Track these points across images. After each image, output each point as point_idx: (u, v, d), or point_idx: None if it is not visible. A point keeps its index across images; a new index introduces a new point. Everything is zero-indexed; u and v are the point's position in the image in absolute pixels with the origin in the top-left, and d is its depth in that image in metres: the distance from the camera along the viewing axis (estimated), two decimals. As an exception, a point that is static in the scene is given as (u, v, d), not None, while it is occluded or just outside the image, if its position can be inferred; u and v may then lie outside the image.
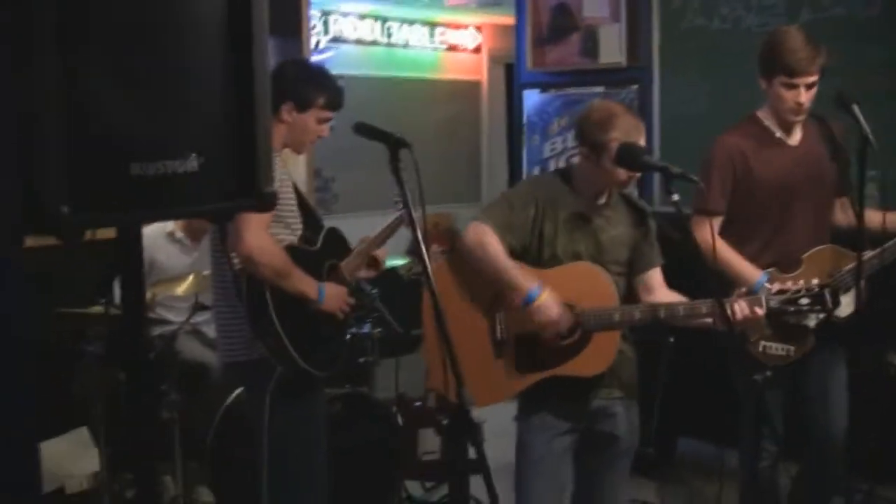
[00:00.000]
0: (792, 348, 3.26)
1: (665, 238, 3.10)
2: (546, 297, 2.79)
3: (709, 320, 2.83)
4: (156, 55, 1.40)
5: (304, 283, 3.01)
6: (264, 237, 2.91)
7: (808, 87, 3.17)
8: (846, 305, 3.18)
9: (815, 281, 2.85)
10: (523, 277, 2.82)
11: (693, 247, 2.65)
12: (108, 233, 1.51)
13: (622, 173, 2.83)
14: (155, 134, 1.40)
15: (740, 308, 2.81)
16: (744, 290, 2.90)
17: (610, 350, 2.87)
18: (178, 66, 1.43)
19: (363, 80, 7.10)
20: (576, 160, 2.99)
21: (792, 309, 2.84)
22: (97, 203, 1.34)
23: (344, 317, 3.19)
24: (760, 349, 3.26)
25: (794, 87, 3.16)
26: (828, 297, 2.81)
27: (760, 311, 2.82)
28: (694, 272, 2.65)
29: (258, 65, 1.51)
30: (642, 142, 2.84)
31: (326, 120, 3.17)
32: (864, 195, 3.03)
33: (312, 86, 3.13)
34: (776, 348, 3.25)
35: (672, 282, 3.02)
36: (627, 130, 2.80)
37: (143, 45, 1.38)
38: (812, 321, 3.21)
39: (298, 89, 3.11)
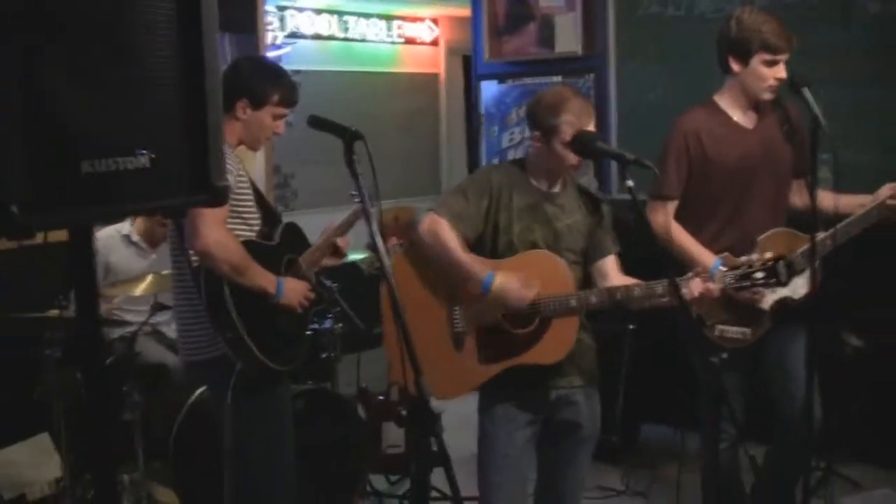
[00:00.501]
0: (748, 331, 3.28)
1: (622, 224, 3.11)
2: (501, 279, 2.81)
3: (666, 299, 2.84)
4: (106, 52, 1.39)
5: (263, 278, 3.00)
6: (221, 232, 2.89)
7: (784, 63, 3.22)
8: (801, 287, 3.21)
9: (768, 254, 2.86)
10: (476, 267, 2.83)
11: (648, 232, 2.67)
12: (62, 235, 1.50)
13: (573, 156, 2.85)
14: (105, 131, 1.39)
15: (695, 285, 2.82)
16: (699, 269, 2.91)
17: (569, 336, 2.88)
18: (128, 62, 1.42)
19: (321, 75, 7.08)
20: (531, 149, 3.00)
21: (747, 283, 2.85)
22: (48, 202, 1.32)
23: (303, 311, 3.18)
24: (717, 333, 3.28)
25: (776, 63, 3.21)
26: (781, 269, 2.82)
27: (714, 287, 2.83)
28: (650, 258, 2.67)
29: (208, 60, 1.51)
30: (592, 125, 2.87)
31: (281, 116, 3.17)
32: (816, 178, 3.06)
33: (267, 82, 3.12)
34: (733, 332, 3.27)
35: (629, 269, 3.04)
36: (578, 113, 2.83)
37: (93, 42, 1.37)
38: (767, 303, 3.24)
39: (253, 86, 3.09)
